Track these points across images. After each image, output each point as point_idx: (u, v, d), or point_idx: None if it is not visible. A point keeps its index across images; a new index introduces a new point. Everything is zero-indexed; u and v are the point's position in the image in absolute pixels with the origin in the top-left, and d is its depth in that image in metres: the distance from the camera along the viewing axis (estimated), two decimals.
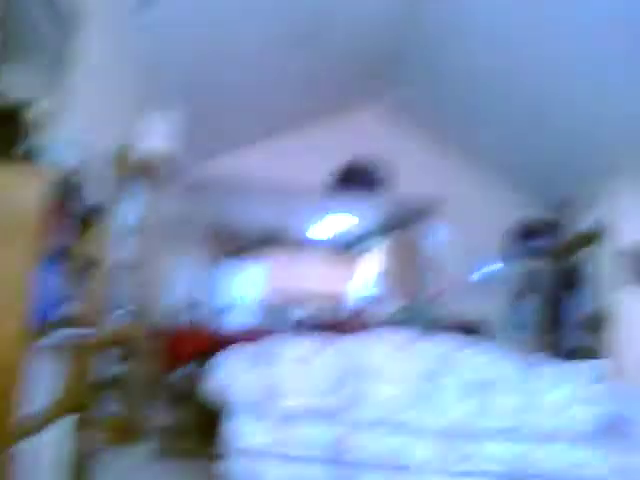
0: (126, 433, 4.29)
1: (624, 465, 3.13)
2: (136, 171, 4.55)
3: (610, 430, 3.45)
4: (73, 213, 2.86)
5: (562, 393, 3.49)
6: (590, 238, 6.07)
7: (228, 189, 8.30)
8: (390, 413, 3.32)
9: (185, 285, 8.62)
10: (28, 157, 2.34)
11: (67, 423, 2.87)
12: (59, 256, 2.67)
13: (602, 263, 5.85)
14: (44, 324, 2.44)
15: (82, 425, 3.16)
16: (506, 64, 5.33)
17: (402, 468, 3.04)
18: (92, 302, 3.19)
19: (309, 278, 12.96)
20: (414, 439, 3.09)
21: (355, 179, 7.49)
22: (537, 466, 3.09)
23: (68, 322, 2.80)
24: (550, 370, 3.59)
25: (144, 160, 4.60)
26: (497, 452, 3.10)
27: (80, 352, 3.01)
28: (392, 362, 3.47)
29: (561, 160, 6.26)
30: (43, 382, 2.56)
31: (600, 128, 5.37)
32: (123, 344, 4.37)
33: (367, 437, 3.07)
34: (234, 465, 2.99)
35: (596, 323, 5.77)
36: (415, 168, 7.50)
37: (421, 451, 3.07)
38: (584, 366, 3.72)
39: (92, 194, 3.03)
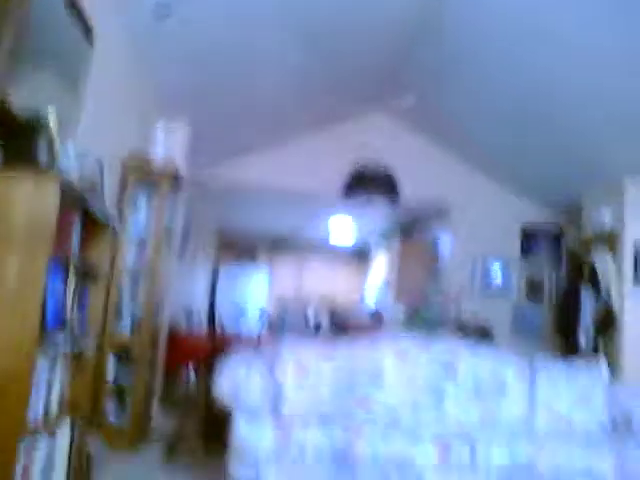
0: (130, 439, 4.31)
1: (628, 466, 3.12)
2: (146, 179, 4.60)
3: (614, 432, 3.44)
4: (83, 221, 2.89)
5: (567, 396, 3.49)
6: (597, 240, 6.05)
7: (236, 196, 8.34)
8: (394, 419, 3.32)
9: (193, 290, 8.65)
10: (41, 165, 2.37)
11: (71, 428, 2.89)
12: (67, 263, 2.69)
13: (610, 265, 5.83)
14: (50, 329, 2.46)
15: (86, 430, 3.18)
16: (513, 72, 5.33)
17: (406, 472, 3.04)
18: (98, 309, 3.21)
19: (316, 282, 12.98)
20: (418, 444, 3.09)
21: (363, 184, 7.48)
22: (541, 469, 3.08)
23: (73, 328, 2.82)
24: (555, 373, 3.59)
25: (155, 168, 4.66)
26: (501, 456, 3.10)
27: (84, 358, 3.03)
28: (397, 369, 3.48)
29: (567, 164, 6.25)
30: (48, 386, 2.58)
31: (605, 133, 5.36)
32: (127, 350, 4.40)
33: (370, 442, 3.07)
34: (238, 470, 3.01)
35: (605, 324, 5.75)
36: (421, 173, 7.51)
37: (425, 455, 3.07)
38: (589, 368, 3.71)
39: (102, 202, 3.06)
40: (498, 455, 3.09)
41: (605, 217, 5.98)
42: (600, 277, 5.92)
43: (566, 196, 6.91)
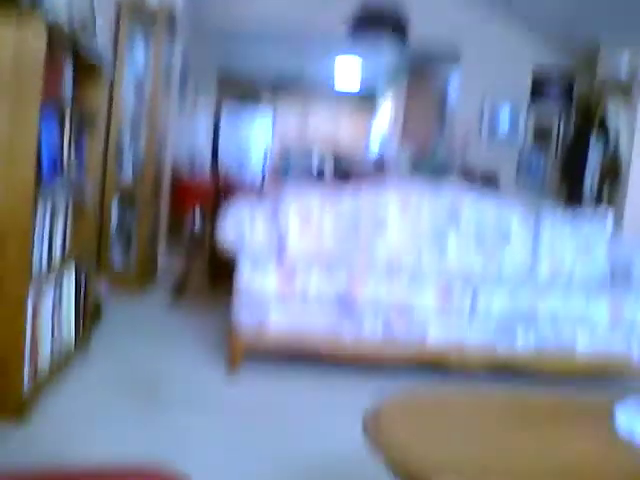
0: (137, 282, 4.40)
1: (624, 315, 3.19)
2: (142, 18, 4.36)
3: (613, 282, 3.48)
4: (75, 64, 2.76)
5: (570, 246, 3.50)
6: (612, 86, 5.85)
7: (236, 35, 7.99)
8: (396, 265, 3.35)
9: (195, 134, 8.53)
10: (24, 4, 2.20)
11: (77, 273, 2.92)
12: (60, 108, 2.60)
13: (622, 112, 5.68)
14: (47, 176, 2.42)
15: (93, 275, 3.23)
16: None
17: (406, 316, 3.10)
18: (97, 155, 3.15)
19: (321, 127, 12.79)
20: (419, 288, 3.13)
21: (371, 23, 7.11)
22: (540, 316, 3.15)
23: (71, 175, 2.78)
24: (559, 223, 3.58)
25: (151, 6, 4.39)
26: (502, 302, 3.15)
27: (85, 205, 3.01)
28: (400, 215, 3.47)
29: (585, 5, 5.89)
30: (50, 233, 2.57)
31: None
32: (131, 196, 4.38)
33: (372, 287, 3.11)
34: (244, 313, 3.07)
35: (611, 173, 5.70)
36: (431, 11, 7.10)
37: (425, 299, 3.12)
38: (594, 219, 3.70)
39: (95, 44, 2.89)
40: (499, 301, 3.14)
41: (622, 62, 5.73)
42: (610, 125, 5.79)
43: (583, 39, 6.58)
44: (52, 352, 2.62)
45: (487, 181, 6.24)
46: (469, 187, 3.99)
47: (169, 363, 3.17)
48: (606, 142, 5.84)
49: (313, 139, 12.61)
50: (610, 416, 1.58)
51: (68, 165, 2.71)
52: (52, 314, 2.60)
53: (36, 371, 2.44)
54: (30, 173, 2.21)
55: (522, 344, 3.15)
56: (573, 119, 6.92)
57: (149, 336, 3.56)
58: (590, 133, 6.09)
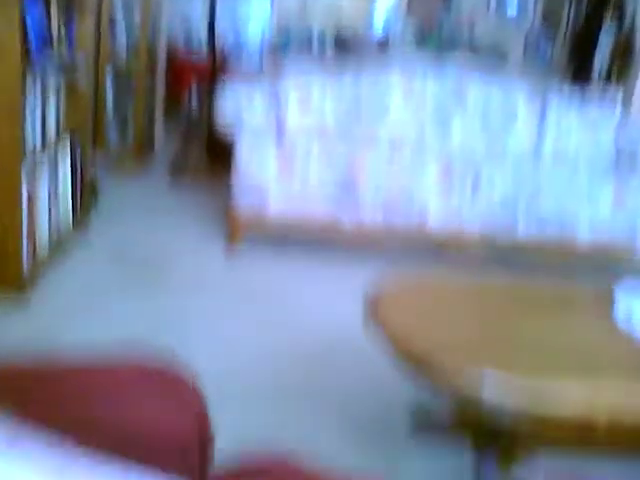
0: (134, 162, 4.32)
1: (628, 199, 3.15)
2: None
3: (618, 166, 3.41)
4: None
5: (576, 128, 3.41)
6: None
7: None
8: (398, 147, 3.27)
9: (190, 8, 8.19)
10: None
11: (73, 153, 2.86)
12: None
13: None
14: (35, 49, 2.31)
15: (89, 155, 3.17)
16: None
17: (407, 195, 3.07)
18: (88, 30, 3.02)
19: (321, 2, 12.24)
20: (421, 165, 3.09)
21: None
22: (544, 197, 3.12)
23: (62, 51, 2.67)
24: (565, 102, 3.48)
25: None
26: (505, 183, 3.11)
27: (78, 82, 2.91)
28: (404, 96, 3.36)
29: None
30: (42, 111, 2.49)
31: None
32: (126, 75, 4.23)
33: (374, 169, 3.06)
34: (243, 195, 3.04)
35: (622, 54, 5.50)
36: None
37: (427, 177, 3.08)
38: (602, 101, 3.60)
39: None
40: (501, 182, 3.10)
41: None
42: (628, 2, 5.54)
43: None
44: (50, 231, 2.61)
45: (493, 53, 6.03)
46: (475, 61, 3.83)
47: (167, 243, 3.17)
48: (620, 22, 5.60)
49: (314, 15, 12.11)
50: (609, 304, 1.58)
51: (58, 42, 2.59)
52: (48, 192, 2.57)
53: (35, 250, 2.44)
54: (16, 49, 2.11)
55: (523, 227, 3.14)
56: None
57: (147, 216, 3.53)
58: (603, 12, 5.84)
